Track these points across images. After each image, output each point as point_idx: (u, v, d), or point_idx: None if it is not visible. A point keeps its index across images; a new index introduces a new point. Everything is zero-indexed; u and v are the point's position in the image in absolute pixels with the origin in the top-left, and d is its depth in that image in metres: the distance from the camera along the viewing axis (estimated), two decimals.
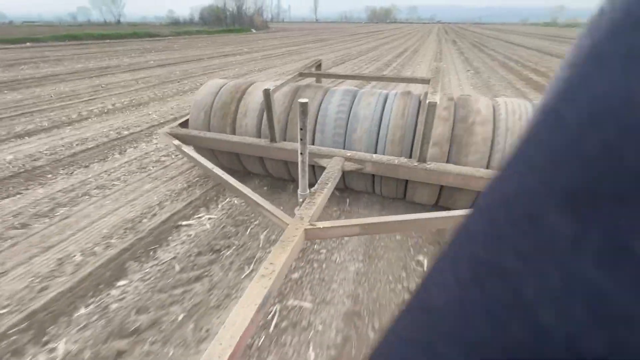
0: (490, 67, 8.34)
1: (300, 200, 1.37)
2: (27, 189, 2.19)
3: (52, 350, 1.11)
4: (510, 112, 1.60)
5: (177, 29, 27.92)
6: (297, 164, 1.37)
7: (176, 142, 1.98)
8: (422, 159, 1.56)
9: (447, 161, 1.61)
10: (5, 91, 5.10)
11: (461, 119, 1.61)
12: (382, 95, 1.83)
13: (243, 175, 2.33)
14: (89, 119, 3.76)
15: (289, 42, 16.61)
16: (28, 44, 13.76)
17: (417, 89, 4.28)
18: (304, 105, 1.14)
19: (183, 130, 2.09)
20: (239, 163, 2.19)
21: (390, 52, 11.77)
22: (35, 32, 18.05)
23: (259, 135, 1.96)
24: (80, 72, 7.04)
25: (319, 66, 2.60)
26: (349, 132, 1.79)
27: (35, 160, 2.63)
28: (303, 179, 1.34)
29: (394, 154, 1.70)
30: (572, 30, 38.64)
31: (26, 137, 3.15)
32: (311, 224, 1.21)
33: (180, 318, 1.24)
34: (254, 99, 2.00)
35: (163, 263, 1.51)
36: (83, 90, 5.29)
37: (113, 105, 4.39)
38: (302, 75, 2.30)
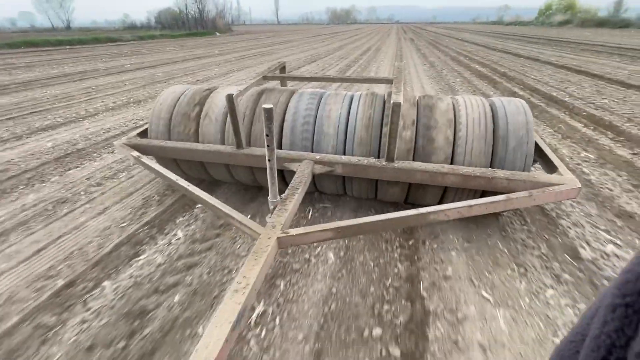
0: (443, 61, 9.50)
1: (271, 207, 1.36)
2: (83, 163, 2.70)
3: (174, 235, 1.74)
4: (469, 109, 1.67)
5: (137, 33, 27.30)
6: (265, 169, 1.34)
7: (135, 153, 1.89)
8: (389, 158, 1.58)
9: (414, 159, 1.65)
10: None
11: (424, 118, 1.67)
12: (347, 96, 1.85)
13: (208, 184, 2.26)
14: (100, 114, 4.19)
15: (257, 44, 17.11)
16: None
17: (380, 88, 5.05)
18: (268, 111, 1.11)
19: (142, 141, 2.00)
20: (205, 172, 2.13)
21: (355, 50, 12.72)
22: None
23: (223, 142, 1.91)
24: (59, 77, 7.20)
25: (282, 69, 2.54)
26: (317, 135, 1.78)
27: (74, 145, 3.11)
28: (273, 186, 1.31)
29: (363, 155, 1.71)
30: (515, 28, 42.40)
31: (50, 130, 3.57)
32: (284, 232, 1.20)
33: (248, 217, 1.90)
34: (217, 104, 1.94)
35: (225, 193, 2.15)
36: (75, 92, 5.59)
37: (114, 103, 4.81)
38: (266, 78, 2.25)
